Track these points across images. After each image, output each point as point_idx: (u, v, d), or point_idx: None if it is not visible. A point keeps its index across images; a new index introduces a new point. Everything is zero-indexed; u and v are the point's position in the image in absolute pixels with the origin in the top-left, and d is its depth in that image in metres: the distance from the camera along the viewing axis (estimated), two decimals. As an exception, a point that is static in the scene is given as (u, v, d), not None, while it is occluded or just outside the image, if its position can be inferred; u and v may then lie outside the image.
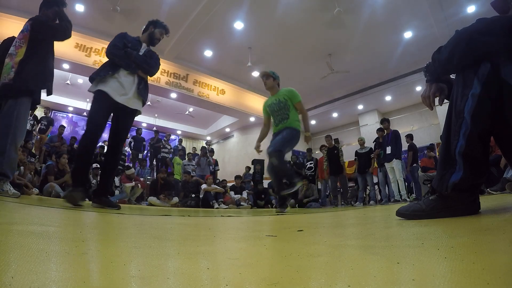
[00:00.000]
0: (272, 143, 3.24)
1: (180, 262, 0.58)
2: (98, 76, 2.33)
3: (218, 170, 9.13)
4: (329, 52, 7.85)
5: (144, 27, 2.68)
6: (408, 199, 5.50)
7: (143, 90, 2.50)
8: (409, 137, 6.44)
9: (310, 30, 6.98)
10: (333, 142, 7.01)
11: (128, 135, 9.22)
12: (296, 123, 3.29)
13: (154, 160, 9.07)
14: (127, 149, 9.21)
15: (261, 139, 3.59)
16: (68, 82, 8.70)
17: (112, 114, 2.45)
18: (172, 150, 9.09)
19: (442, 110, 5.82)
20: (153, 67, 2.57)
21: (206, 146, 9.35)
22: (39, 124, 7.58)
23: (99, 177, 2.64)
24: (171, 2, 6.18)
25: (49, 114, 8.21)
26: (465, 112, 1.04)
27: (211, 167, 8.44)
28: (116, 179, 6.25)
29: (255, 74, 8.94)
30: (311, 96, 10.48)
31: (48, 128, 7.73)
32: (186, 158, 8.54)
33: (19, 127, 2.46)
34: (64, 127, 8.12)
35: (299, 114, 3.37)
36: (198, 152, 9.11)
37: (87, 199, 2.55)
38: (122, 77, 2.38)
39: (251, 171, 9.29)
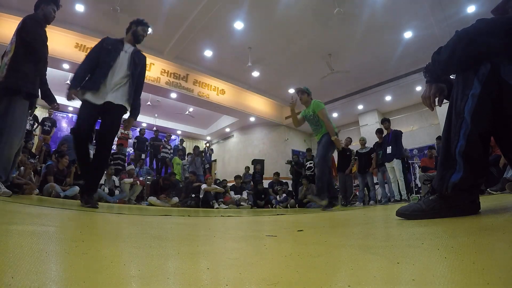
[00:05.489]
0: (317, 153, 3.73)
1: (180, 262, 0.58)
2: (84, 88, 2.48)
3: (208, 167, 9.14)
4: (329, 52, 7.84)
5: (127, 27, 2.80)
6: (407, 200, 5.49)
7: (123, 91, 2.58)
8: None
9: (310, 30, 6.97)
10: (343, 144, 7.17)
11: (131, 135, 8.98)
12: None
13: (154, 160, 9.08)
14: (130, 149, 9.20)
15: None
16: (68, 82, 8.69)
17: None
18: (172, 151, 9.09)
19: (442, 110, 5.80)
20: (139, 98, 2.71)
21: (205, 146, 9.35)
22: (43, 126, 7.58)
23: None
24: (171, 2, 6.17)
25: (52, 115, 8.19)
26: (465, 112, 1.04)
27: (206, 165, 8.47)
28: (116, 179, 6.25)
29: (255, 74, 8.92)
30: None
31: (52, 129, 7.73)
32: (186, 159, 8.54)
33: (14, 127, 2.43)
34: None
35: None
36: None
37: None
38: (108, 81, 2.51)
39: (251, 171, 9.29)
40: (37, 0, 2.66)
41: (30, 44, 2.49)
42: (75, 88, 2.48)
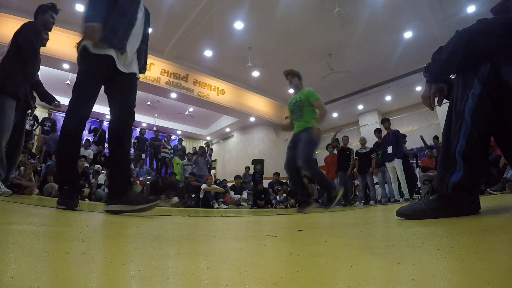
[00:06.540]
0: (299, 154, 3.20)
1: (180, 262, 0.58)
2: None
3: (209, 166, 9.14)
4: (329, 52, 7.84)
5: None
6: (409, 199, 5.49)
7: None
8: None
9: (310, 30, 6.98)
10: (341, 144, 7.20)
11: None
12: (311, 122, 3.32)
13: (154, 160, 9.08)
14: (130, 149, 9.20)
15: (284, 129, 3.97)
16: (68, 82, 8.68)
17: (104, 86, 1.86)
18: (172, 151, 9.09)
19: (442, 110, 5.81)
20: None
21: (205, 146, 9.34)
22: (43, 126, 7.58)
23: (109, 174, 1.98)
24: (171, 2, 6.18)
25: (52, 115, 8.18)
26: (465, 112, 1.04)
27: (208, 165, 8.48)
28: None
29: (255, 74, 8.93)
30: (311, 96, 10.48)
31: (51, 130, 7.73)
32: (186, 158, 8.54)
33: (1, 124, 2.44)
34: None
35: (317, 111, 3.46)
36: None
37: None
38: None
39: (251, 171, 9.28)
40: (35, 11, 2.73)
41: (22, 50, 2.55)
42: (100, 22, 1.63)
